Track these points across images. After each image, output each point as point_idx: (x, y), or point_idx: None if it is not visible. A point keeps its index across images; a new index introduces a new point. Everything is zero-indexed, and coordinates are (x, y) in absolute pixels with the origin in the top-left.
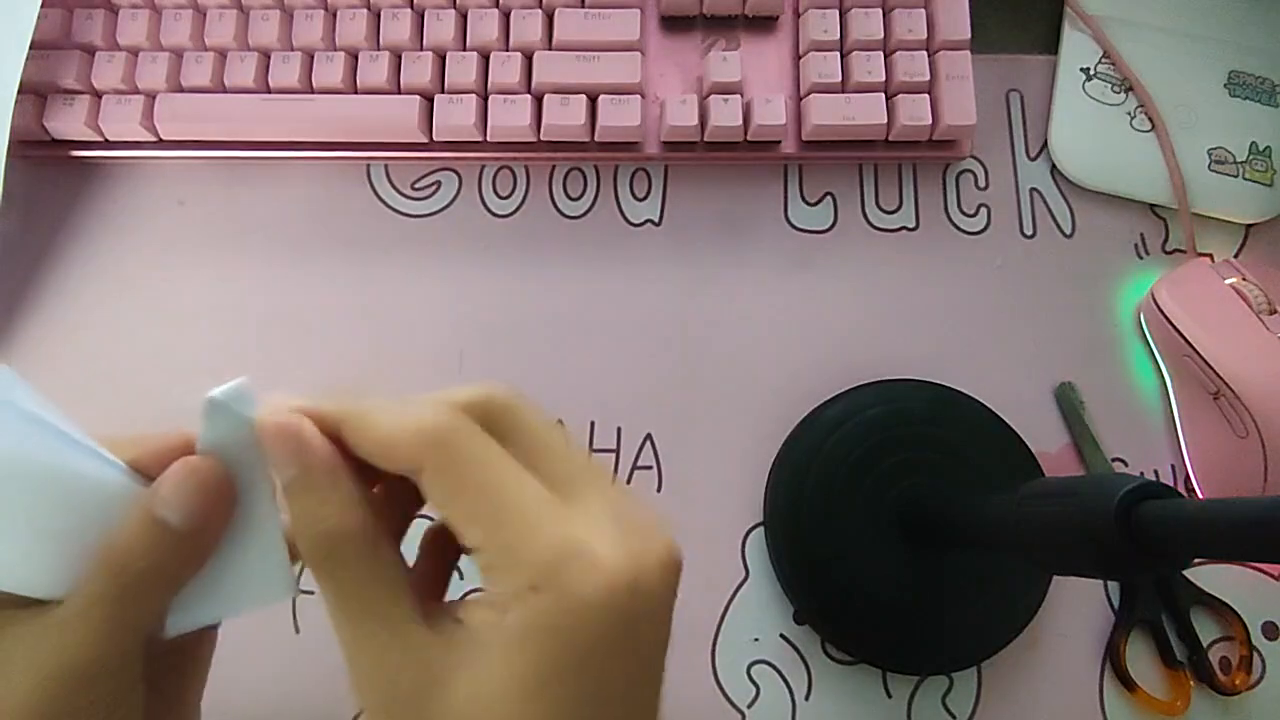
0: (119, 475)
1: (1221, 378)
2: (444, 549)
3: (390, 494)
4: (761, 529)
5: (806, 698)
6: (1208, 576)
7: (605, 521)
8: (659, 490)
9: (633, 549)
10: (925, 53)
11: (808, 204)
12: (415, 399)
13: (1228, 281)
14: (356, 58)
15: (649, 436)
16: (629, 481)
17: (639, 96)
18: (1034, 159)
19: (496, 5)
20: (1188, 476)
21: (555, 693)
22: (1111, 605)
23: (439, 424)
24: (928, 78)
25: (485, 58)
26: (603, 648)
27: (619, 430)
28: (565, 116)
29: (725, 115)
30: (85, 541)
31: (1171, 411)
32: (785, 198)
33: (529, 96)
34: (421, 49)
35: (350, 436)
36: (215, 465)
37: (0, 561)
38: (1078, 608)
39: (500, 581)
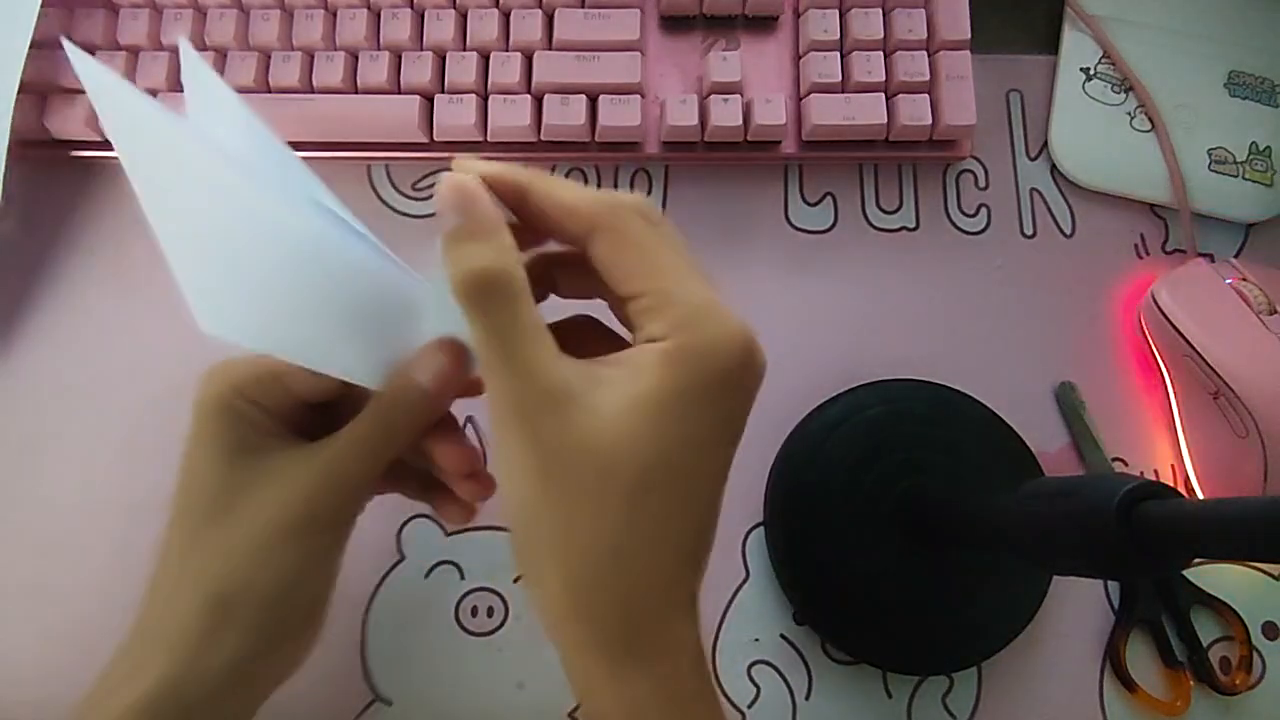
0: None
1: (1221, 378)
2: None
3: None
4: (761, 529)
5: (807, 698)
6: (1208, 576)
7: (727, 308)
8: None
9: (746, 324)
10: (925, 53)
11: (808, 204)
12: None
13: (1228, 281)
14: (356, 58)
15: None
16: None
17: (639, 96)
18: (1034, 159)
19: (496, 5)
20: (1188, 476)
21: (687, 406)
22: (1111, 605)
23: (613, 198)
24: (928, 78)
25: (485, 58)
26: (727, 380)
27: None
28: (565, 116)
29: (725, 115)
30: (392, 339)
31: (1171, 411)
32: (785, 198)
33: (529, 96)
34: (421, 49)
35: (535, 198)
36: (458, 345)
37: (325, 347)
38: (1078, 608)
39: (655, 319)
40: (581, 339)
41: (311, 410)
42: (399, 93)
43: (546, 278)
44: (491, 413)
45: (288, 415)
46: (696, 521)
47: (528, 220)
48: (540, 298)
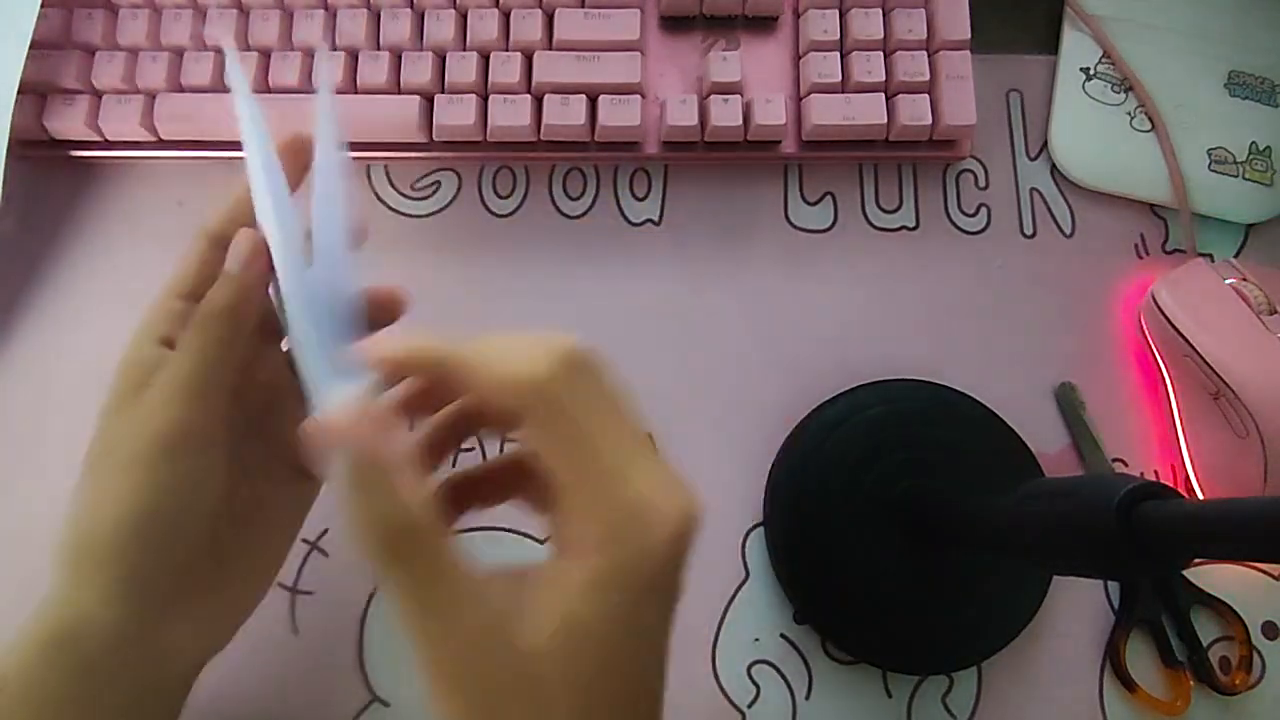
0: None
1: (1221, 378)
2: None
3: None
4: (761, 529)
5: (807, 698)
6: (1208, 576)
7: (664, 477)
8: None
9: (682, 503)
10: (925, 53)
11: (808, 204)
12: (517, 343)
13: (1228, 281)
14: (356, 58)
15: (649, 436)
16: None
17: (639, 96)
18: (1034, 159)
19: (496, 5)
20: (1188, 476)
21: (623, 624)
22: (1111, 605)
23: (543, 376)
24: (928, 78)
25: (485, 58)
26: (661, 579)
27: None
28: (565, 116)
29: (725, 115)
30: None
31: (1171, 411)
32: (785, 198)
33: (529, 96)
34: (421, 49)
35: (456, 379)
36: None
37: None
38: (1078, 608)
39: (586, 520)
40: (510, 483)
41: None
42: (399, 93)
43: (463, 493)
44: (417, 659)
45: None
46: (647, 710)
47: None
48: (455, 518)
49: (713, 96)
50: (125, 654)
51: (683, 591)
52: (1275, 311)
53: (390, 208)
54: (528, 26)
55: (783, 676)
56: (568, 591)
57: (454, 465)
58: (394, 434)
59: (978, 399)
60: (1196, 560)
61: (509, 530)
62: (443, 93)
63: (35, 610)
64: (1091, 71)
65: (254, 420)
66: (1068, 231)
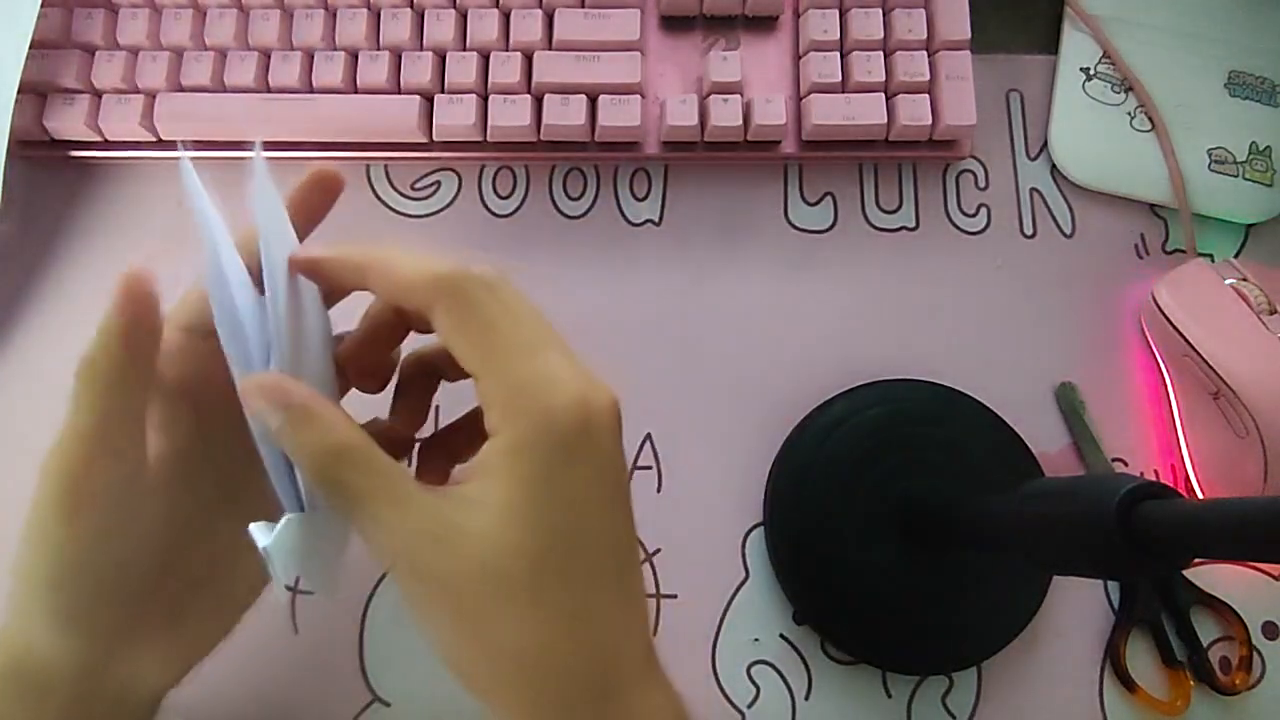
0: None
1: (1221, 378)
2: (424, 380)
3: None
4: (761, 529)
5: (806, 698)
6: (1208, 576)
7: (572, 365)
8: (659, 490)
9: (588, 382)
10: (925, 53)
11: (808, 204)
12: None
13: (1228, 281)
14: (356, 58)
15: (649, 436)
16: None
17: (639, 96)
18: (1034, 159)
19: (496, 5)
20: (1188, 476)
21: (544, 494)
22: (1111, 605)
23: (452, 271)
24: (928, 78)
25: (485, 58)
26: (571, 450)
27: None
28: (565, 116)
29: (725, 115)
30: None
31: (1171, 411)
32: (785, 198)
33: (529, 96)
34: (421, 49)
35: (373, 279)
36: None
37: None
38: (1078, 608)
39: (491, 407)
40: (471, 435)
41: None
42: (399, 93)
43: (437, 452)
44: (386, 567)
45: None
46: (613, 588)
47: (377, 294)
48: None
49: (713, 96)
50: (77, 686)
51: (619, 480)
52: (1275, 311)
53: (390, 208)
54: (528, 26)
55: (782, 677)
56: (490, 471)
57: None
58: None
59: (978, 399)
60: (1196, 560)
61: None
62: (443, 93)
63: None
64: (1091, 71)
65: (226, 479)
66: (1068, 231)
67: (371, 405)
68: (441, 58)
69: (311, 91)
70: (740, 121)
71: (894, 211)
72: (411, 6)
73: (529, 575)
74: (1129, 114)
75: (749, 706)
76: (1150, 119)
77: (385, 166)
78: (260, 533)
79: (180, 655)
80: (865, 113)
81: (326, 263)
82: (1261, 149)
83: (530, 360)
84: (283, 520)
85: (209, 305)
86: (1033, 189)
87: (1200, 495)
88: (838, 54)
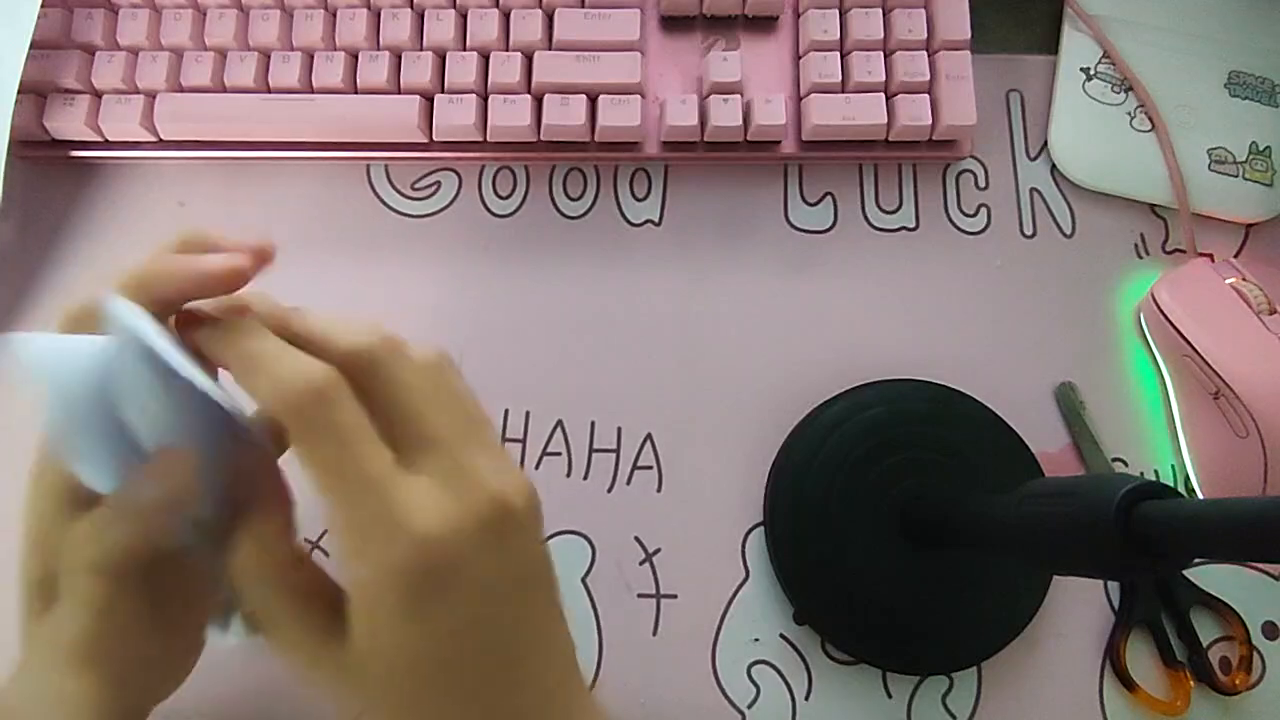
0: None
1: (1221, 378)
2: None
3: None
4: (761, 529)
5: (806, 698)
6: (1208, 576)
7: (427, 491)
8: (659, 490)
9: (438, 514)
10: (925, 53)
11: (808, 204)
12: (296, 328)
13: (1228, 281)
14: (356, 58)
15: (649, 436)
16: (629, 482)
17: (639, 96)
18: (1034, 159)
19: (496, 5)
20: (1188, 476)
21: (396, 638)
22: (1111, 605)
23: (302, 393)
24: (928, 78)
25: (485, 58)
26: (418, 597)
27: (619, 430)
28: (565, 116)
29: (725, 115)
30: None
31: (1171, 411)
32: (785, 198)
33: (529, 96)
34: (421, 49)
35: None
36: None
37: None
38: (1078, 608)
39: (336, 548)
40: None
41: None
42: (399, 93)
43: None
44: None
45: None
46: (522, 695)
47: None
48: None
49: (713, 96)
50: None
51: (486, 601)
52: (1275, 311)
53: (390, 208)
54: (528, 26)
55: (782, 677)
56: (350, 610)
57: None
58: None
59: (978, 399)
60: (1196, 560)
61: None
62: (443, 93)
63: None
64: (1091, 71)
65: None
66: (1068, 231)
67: None
68: (441, 58)
69: (311, 91)
70: (740, 121)
71: (894, 212)
72: (411, 6)
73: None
74: (1129, 114)
75: (749, 706)
76: (1150, 119)
77: (385, 166)
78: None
79: (166, 683)
80: (865, 113)
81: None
82: (1261, 149)
83: (367, 502)
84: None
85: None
86: (1033, 189)
87: (1200, 495)
88: (838, 54)
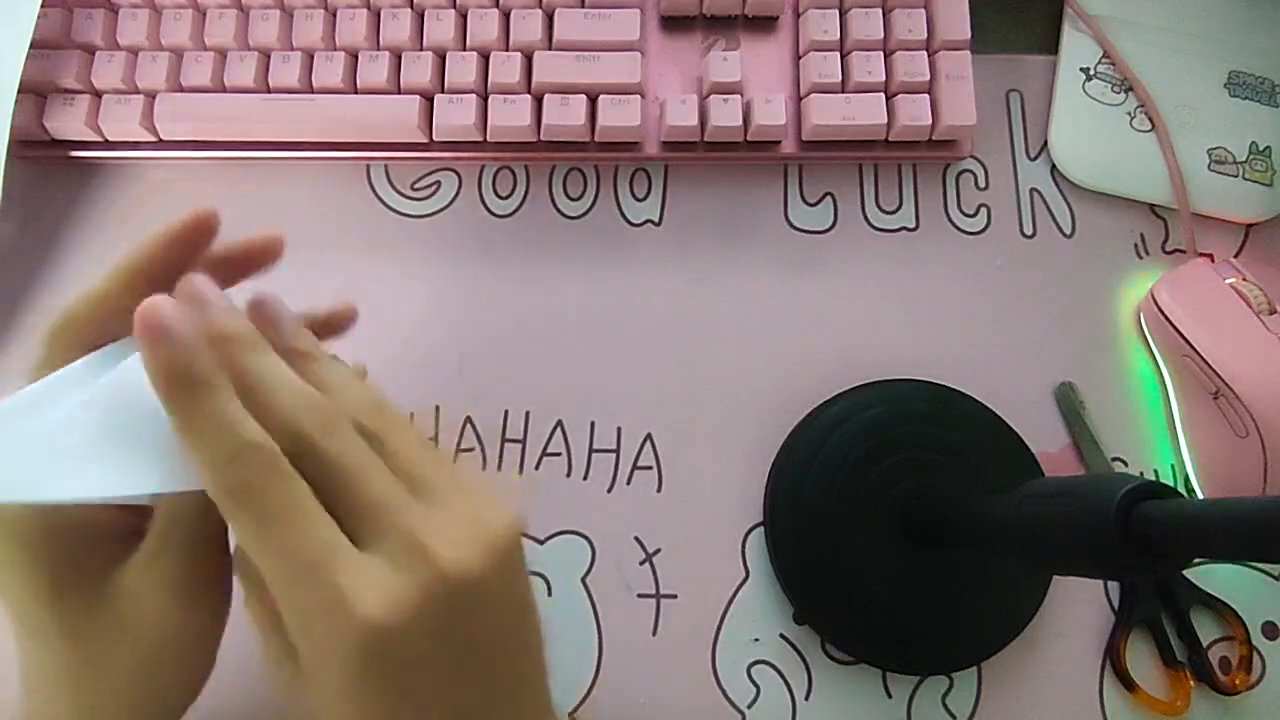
0: None
1: (1221, 378)
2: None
3: None
4: (761, 529)
5: (806, 698)
6: (1208, 576)
7: (381, 565)
8: (659, 490)
9: (397, 594)
10: (925, 53)
11: (808, 204)
12: (233, 420)
13: (1228, 281)
14: (356, 58)
15: (649, 436)
16: (629, 482)
17: (639, 96)
18: (1034, 159)
19: (496, 5)
20: (1188, 476)
21: (353, 708)
22: (1111, 605)
23: (236, 473)
24: (928, 78)
25: (485, 58)
26: (367, 683)
27: (619, 430)
28: (565, 116)
29: (725, 115)
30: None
31: (1171, 411)
32: (785, 198)
33: (529, 96)
34: (421, 49)
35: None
36: None
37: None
38: (1078, 608)
39: (287, 623)
40: None
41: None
42: (399, 93)
43: None
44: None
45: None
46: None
47: None
48: None
49: (713, 96)
50: None
51: (436, 667)
52: (1275, 311)
53: (390, 208)
54: (528, 26)
55: (782, 676)
56: (305, 677)
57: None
58: None
59: (978, 399)
60: (1196, 560)
61: None
62: (443, 93)
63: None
64: (1091, 71)
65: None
66: (1068, 231)
67: None
68: (441, 58)
69: (311, 91)
70: (740, 121)
71: (894, 212)
72: (411, 6)
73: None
74: (1129, 114)
75: (749, 706)
76: (1150, 119)
77: (385, 166)
78: None
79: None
80: (865, 113)
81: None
82: (1261, 149)
83: (312, 584)
84: None
85: None
86: (1033, 189)
87: (1200, 495)
88: (838, 54)
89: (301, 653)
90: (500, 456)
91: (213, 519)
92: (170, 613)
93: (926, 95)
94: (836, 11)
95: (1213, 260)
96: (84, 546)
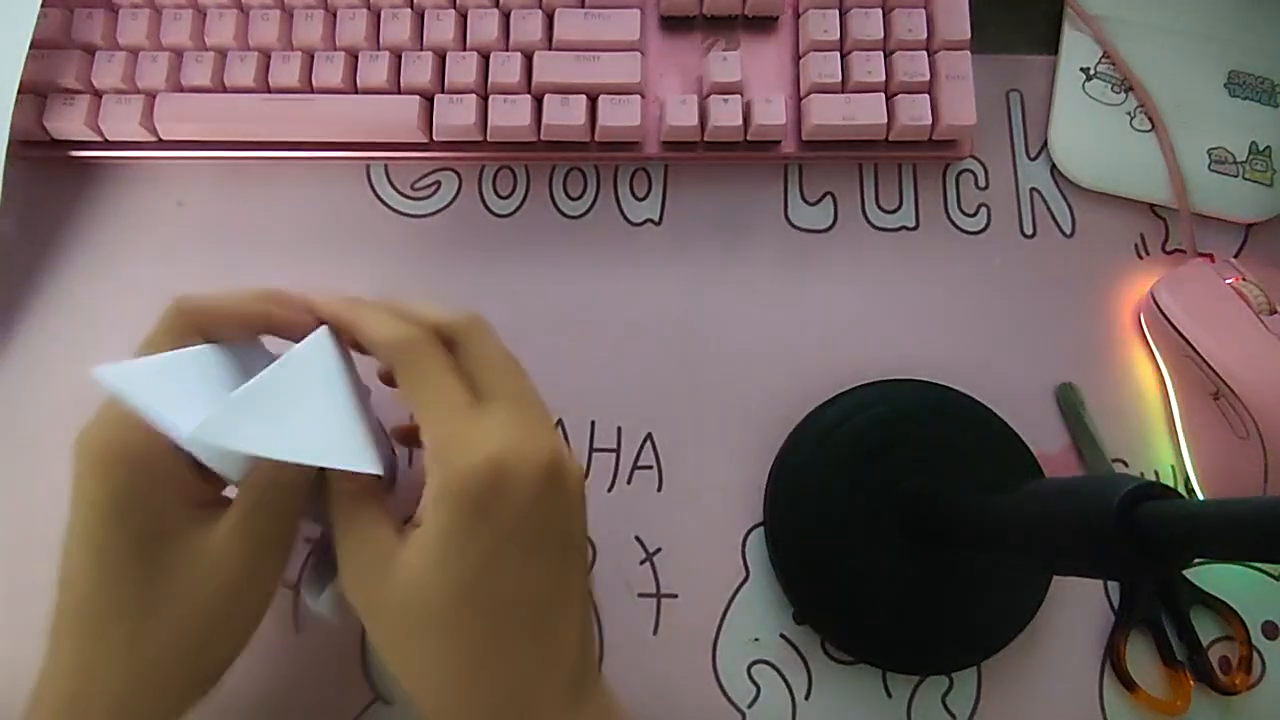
0: None
1: (1221, 378)
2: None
3: None
4: (761, 529)
5: (806, 698)
6: (1208, 576)
7: (502, 425)
8: (659, 490)
9: (509, 444)
10: (925, 53)
11: (808, 204)
12: (404, 311)
13: (1228, 281)
14: (356, 58)
15: (649, 436)
16: (629, 482)
17: (639, 96)
18: (1034, 159)
19: (496, 5)
20: (1188, 476)
21: (454, 541)
22: (1111, 605)
23: (401, 341)
24: (928, 78)
25: (485, 58)
26: (481, 508)
27: (619, 430)
28: (565, 116)
29: (725, 115)
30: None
31: (1171, 411)
32: (785, 198)
33: (529, 96)
34: (421, 49)
35: (354, 332)
36: None
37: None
38: (1078, 608)
39: (427, 453)
40: None
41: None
42: (399, 93)
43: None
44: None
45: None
46: (525, 633)
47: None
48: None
49: (712, 96)
50: (133, 715)
51: (536, 525)
52: (1275, 311)
53: (390, 208)
54: (528, 26)
55: (782, 676)
56: (422, 518)
57: None
58: None
59: (978, 399)
60: (1196, 560)
61: None
62: (443, 93)
63: (42, 676)
64: (1091, 71)
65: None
66: (1068, 231)
67: None
68: (441, 58)
69: (311, 91)
70: (740, 121)
71: (894, 211)
72: (411, 6)
73: (440, 616)
74: (1129, 114)
75: (749, 706)
76: (1150, 119)
77: (385, 166)
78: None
79: (215, 670)
80: (865, 113)
81: (321, 311)
82: (1261, 149)
83: (452, 422)
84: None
85: None
86: (1033, 189)
87: (1200, 495)
88: (838, 54)
89: (431, 482)
90: None
91: (298, 493)
92: (248, 568)
93: (926, 95)
94: (836, 11)
95: (1213, 260)
96: (176, 505)
